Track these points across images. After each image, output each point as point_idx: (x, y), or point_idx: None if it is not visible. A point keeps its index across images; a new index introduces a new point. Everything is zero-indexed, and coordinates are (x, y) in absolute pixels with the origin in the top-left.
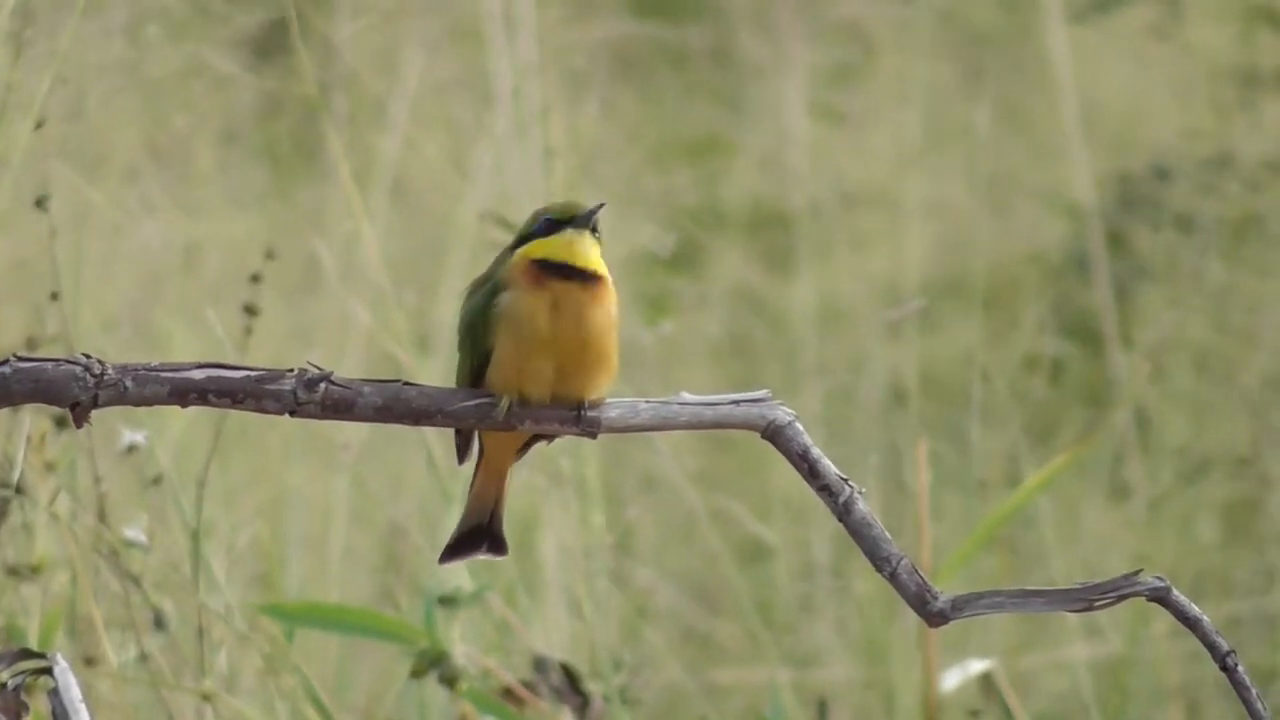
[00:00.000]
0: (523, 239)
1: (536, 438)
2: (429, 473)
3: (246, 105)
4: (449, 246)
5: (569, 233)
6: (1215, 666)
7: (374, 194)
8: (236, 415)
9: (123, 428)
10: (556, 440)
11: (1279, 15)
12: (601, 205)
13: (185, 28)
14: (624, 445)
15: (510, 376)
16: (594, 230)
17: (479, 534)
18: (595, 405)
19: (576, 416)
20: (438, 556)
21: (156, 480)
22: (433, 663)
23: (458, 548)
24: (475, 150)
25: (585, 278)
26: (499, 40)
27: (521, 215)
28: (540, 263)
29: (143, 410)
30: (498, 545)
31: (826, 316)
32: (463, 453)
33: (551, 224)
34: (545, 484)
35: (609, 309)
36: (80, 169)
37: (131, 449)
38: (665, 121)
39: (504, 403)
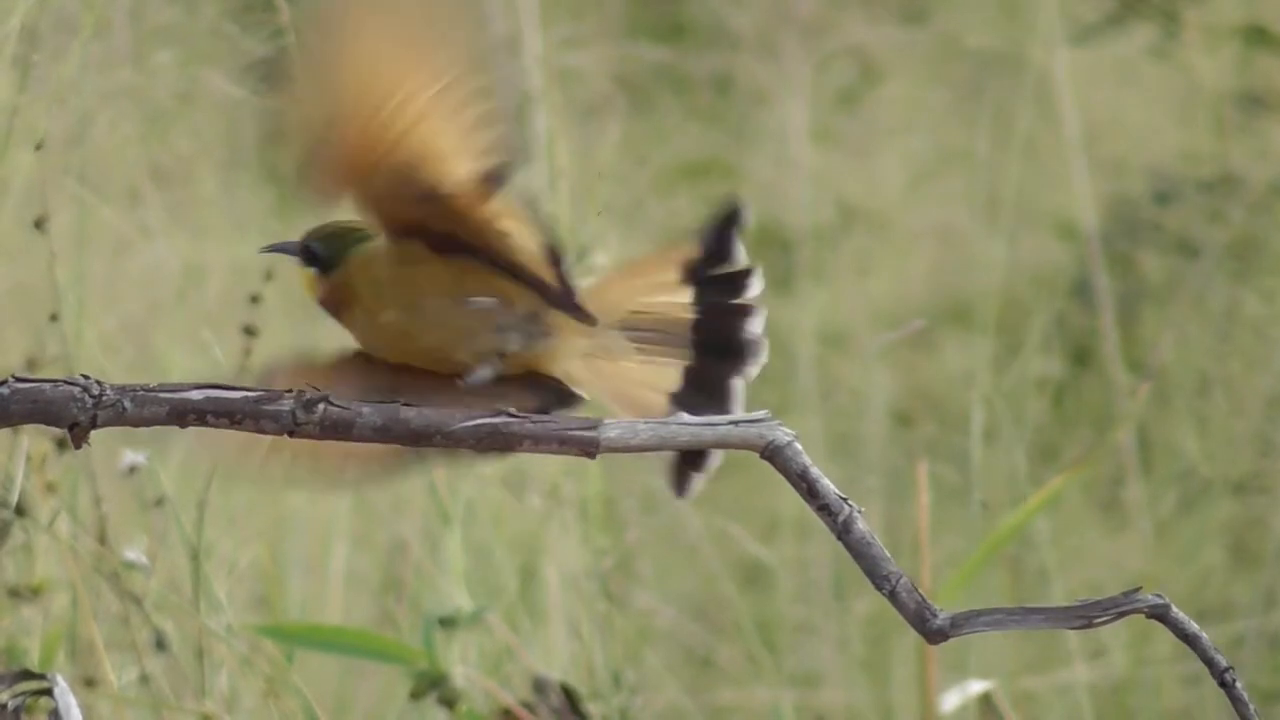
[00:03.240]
0: None
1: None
2: (429, 495)
3: (250, 130)
4: None
5: None
6: (1215, 687)
7: None
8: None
9: (124, 449)
10: (551, 458)
11: (1277, 38)
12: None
13: (191, 52)
14: (625, 467)
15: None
16: (307, 256)
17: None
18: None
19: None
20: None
21: (158, 502)
22: (432, 684)
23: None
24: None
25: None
26: (529, 71)
27: None
28: None
29: (145, 432)
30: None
31: (828, 338)
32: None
33: None
34: (546, 506)
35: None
36: (83, 192)
37: (133, 470)
38: (668, 145)
39: None
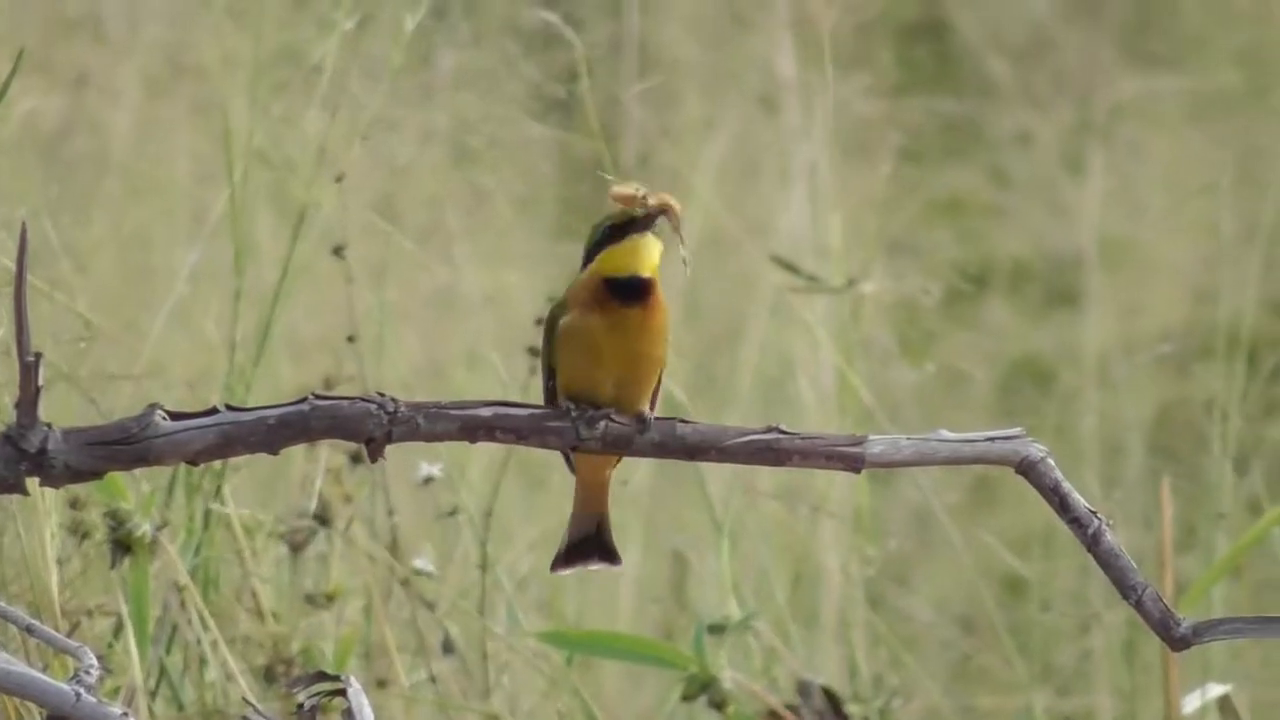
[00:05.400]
0: (593, 248)
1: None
2: (705, 509)
3: (547, 166)
4: (743, 297)
5: (634, 238)
6: None
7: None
8: (518, 454)
9: (420, 461)
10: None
11: None
12: (663, 210)
13: (492, 93)
14: (888, 482)
15: (573, 392)
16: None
17: (588, 544)
18: (645, 417)
19: (640, 429)
20: (550, 565)
21: (452, 512)
22: (703, 687)
23: (569, 557)
24: (766, 209)
25: (644, 295)
26: (795, 109)
27: (804, 263)
28: (609, 281)
29: (440, 446)
30: (609, 555)
31: (1082, 362)
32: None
33: (614, 230)
34: (815, 518)
35: (662, 323)
36: (382, 222)
37: (428, 481)
38: (931, 183)
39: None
